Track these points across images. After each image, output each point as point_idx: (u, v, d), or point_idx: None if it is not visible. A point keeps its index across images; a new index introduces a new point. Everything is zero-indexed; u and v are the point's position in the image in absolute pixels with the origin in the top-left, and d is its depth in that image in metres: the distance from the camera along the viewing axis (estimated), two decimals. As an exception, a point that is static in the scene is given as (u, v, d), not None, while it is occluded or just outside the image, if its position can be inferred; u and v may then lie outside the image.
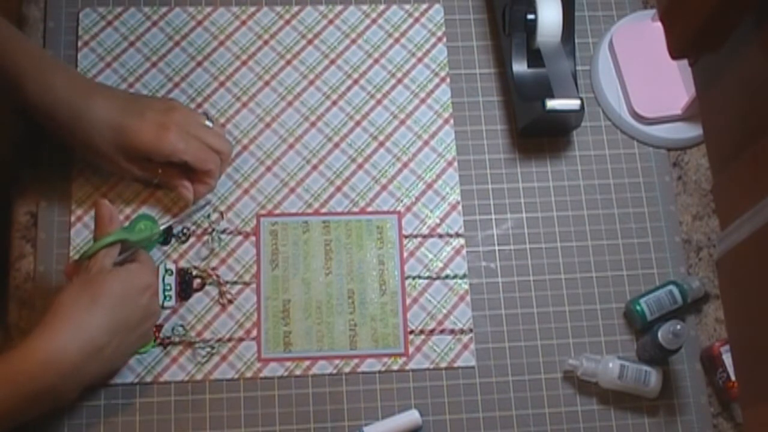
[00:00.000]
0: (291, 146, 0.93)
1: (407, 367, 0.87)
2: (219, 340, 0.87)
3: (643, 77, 0.96)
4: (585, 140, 0.96)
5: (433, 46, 0.98)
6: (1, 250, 0.89)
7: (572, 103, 0.89)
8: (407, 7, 0.99)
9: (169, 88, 0.94)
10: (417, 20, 0.99)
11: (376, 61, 0.97)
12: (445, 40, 0.99)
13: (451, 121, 0.96)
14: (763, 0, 0.51)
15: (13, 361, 0.72)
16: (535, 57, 0.93)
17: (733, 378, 0.86)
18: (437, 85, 0.97)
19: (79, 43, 0.95)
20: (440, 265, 0.91)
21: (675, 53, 0.60)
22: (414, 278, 0.90)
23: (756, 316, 0.54)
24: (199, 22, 0.97)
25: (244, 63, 0.96)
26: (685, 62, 0.63)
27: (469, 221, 0.92)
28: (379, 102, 0.96)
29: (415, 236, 0.91)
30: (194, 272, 0.88)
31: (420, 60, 0.97)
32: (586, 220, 0.93)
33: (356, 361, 0.87)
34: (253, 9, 0.98)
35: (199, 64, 0.95)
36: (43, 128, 0.85)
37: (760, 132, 0.53)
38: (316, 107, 0.95)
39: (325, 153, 0.93)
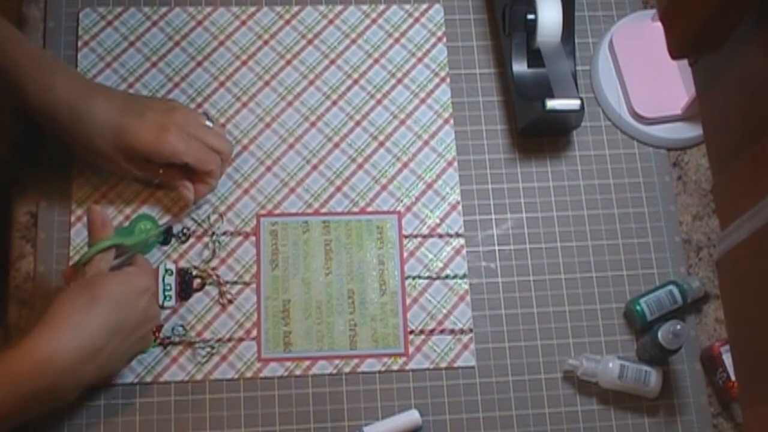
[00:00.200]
0: (291, 146, 0.93)
1: (407, 367, 0.87)
2: (219, 340, 0.87)
3: (643, 77, 0.96)
4: (585, 140, 0.96)
5: (433, 46, 0.98)
6: (1, 250, 0.89)
7: (572, 103, 0.89)
8: (407, 7, 0.99)
9: (169, 88, 0.94)
10: (417, 20, 0.99)
11: (376, 61, 0.97)
12: (445, 40, 0.99)
13: (451, 121, 0.96)
14: (763, 0, 0.51)
15: (10, 362, 0.72)
16: (535, 57, 0.93)
17: (733, 378, 0.86)
18: (437, 85, 0.97)
19: (79, 43, 0.95)
20: (440, 265, 0.91)
21: (675, 53, 0.60)
22: (414, 278, 0.90)
23: (756, 316, 0.54)
24: (199, 22, 0.97)
25: (244, 63, 0.96)
26: (685, 62, 0.63)
27: (469, 221, 0.92)
28: (379, 102, 0.96)
29: (415, 236, 0.91)
30: (194, 272, 0.88)
31: (420, 60, 0.97)
32: (586, 220, 0.93)
33: (356, 361, 0.87)
34: (253, 9, 0.98)
35: (199, 64, 0.95)
36: (43, 128, 0.85)
37: (760, 132, 0.53)
38: (316, 107, 0.95)
39: (325, 153, 0.93)
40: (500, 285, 0.90)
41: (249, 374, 0.86)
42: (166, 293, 0.87)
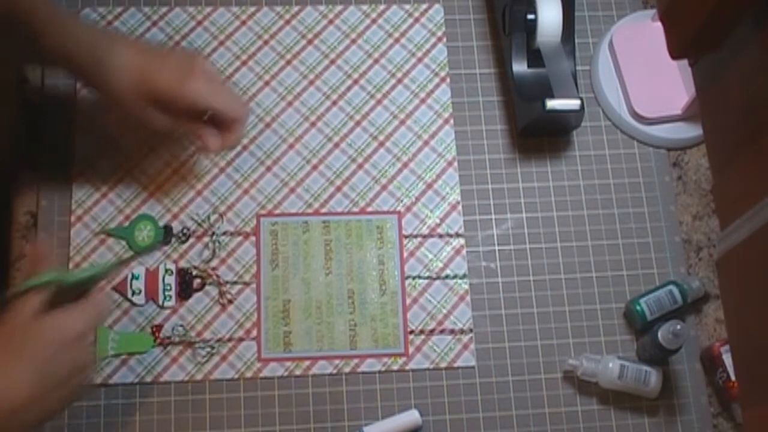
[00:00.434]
0: (291, 146, 0.93)
1: (407, 367, 0.87)
2: (219, 340, 0.87)
3: (643, 77, 0.96)
4: (585, 140, 0.96)
5: (433, 46, 0.98)
6: (1, 250, 0.89)
7: (572, 103, 0.89)
8: (407, 7, 0.99)
9: (169, 88, 0.94)
10: (417, 20, 0.99)
11: (376, 61, 0.97)
12: (445, 40, 0.99)
13: (451, 121, 0.96)
14: (763, 0, 0.51)
15: None
16: (535, 57, 0.93)
17: (733, 378, 0.86)
18: (437, 85, 0.97)
19: (79, 43, 0.95)
20: (440, 265, 0.91)
21: (675, 53, 0.60)
22: (414, 278, 0.90)
23: (756, 316, 0.54)
24: (199, 22, 0.97)
25: (244, 63, 0.96)
26: (685, 62, 0.63)
27: (469, 221, 0.92)
28: (379, 102, 0.96)
29: (415, 236, 0.91)
30: (194, 272, 0.88)
31: (420, 60, 0.97)
32: (586, 220, 0.93)
33: (356, 361, 0.87)
34: (253, 9, 0.98)
35: (199, 64, 0.95)
36: (48, 107, 0.82)
37: (760, 132, 0.53)
38: (316, 107, 0.95)
39: (325, 153, 0.93)
40: (500, 285, 0.90)
41: (249, 374, 0.86)
42: (166, 293, 0.87)
